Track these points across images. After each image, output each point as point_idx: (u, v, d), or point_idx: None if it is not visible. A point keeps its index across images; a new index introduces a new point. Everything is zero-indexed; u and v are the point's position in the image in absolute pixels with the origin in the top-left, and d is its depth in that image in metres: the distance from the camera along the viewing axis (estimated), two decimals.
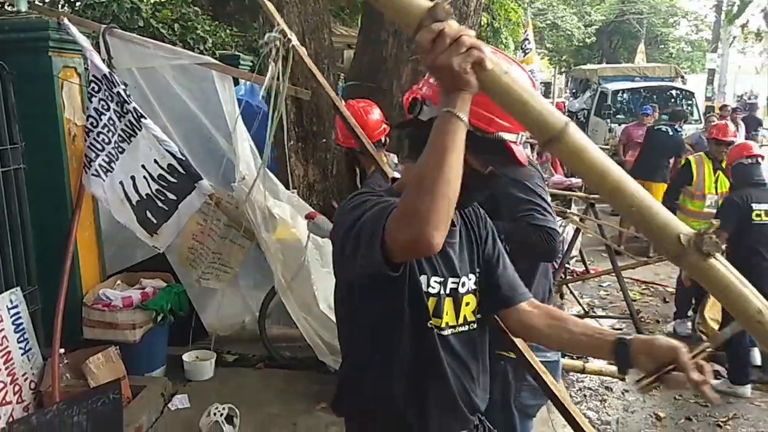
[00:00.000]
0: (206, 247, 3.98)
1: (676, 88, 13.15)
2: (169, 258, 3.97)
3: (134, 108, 3.40)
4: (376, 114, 3.14)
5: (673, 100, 12.99)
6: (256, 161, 3.48)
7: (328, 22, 4.25)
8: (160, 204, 3.55)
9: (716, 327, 4.73)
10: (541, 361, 1.87)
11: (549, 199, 2.23)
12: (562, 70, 34.42)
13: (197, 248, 4.01)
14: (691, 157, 6.07)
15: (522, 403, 2.19)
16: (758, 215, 4.23)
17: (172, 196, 3.53)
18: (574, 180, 6.64)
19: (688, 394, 4.42)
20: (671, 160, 8.01)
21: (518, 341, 1.78)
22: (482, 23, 14.07)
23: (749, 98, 25.90)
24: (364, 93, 4.32)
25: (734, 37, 18.00)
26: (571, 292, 6.16)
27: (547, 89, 27.28)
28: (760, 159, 4.42)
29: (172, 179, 3.52)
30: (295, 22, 3.90)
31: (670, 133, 8.12)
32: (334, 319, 3.50)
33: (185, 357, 3.90)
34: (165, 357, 3.85)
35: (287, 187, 4.18)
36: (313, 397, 3.68)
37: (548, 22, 29.64)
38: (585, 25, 30.09)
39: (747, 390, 4.36)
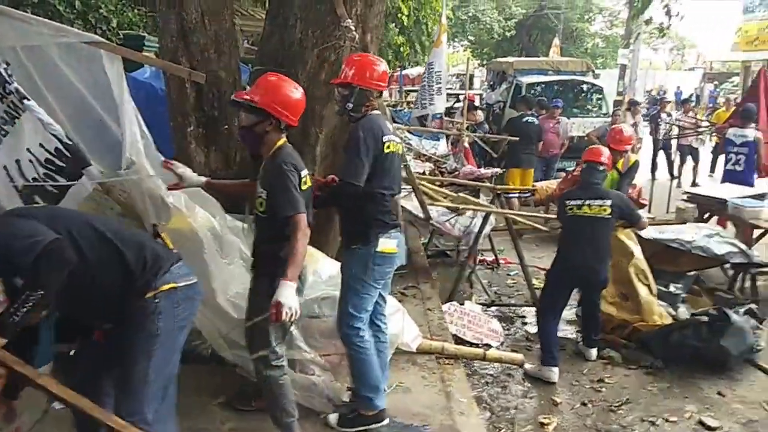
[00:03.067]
0: None
1: (587, 83, 13.59)
2: None
3: (16, 89, 3.19)
4: (383, 66, 3.38)
5: (583, 94, 13.45)
6: (147, 147, 3.31)
7: (230, 4, 4.11)
8: (49, 188, 3.38)
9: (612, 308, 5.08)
10: None
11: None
12: (484, 62, 35.05)
13: None
14: None
15: None
16: (570, 209, 4.73)
17: (61, 180, 3.36)
18: (483, 171, 6.76)
19: (584, 380, 4.61)
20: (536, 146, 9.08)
21: None
22: (403, 12, 14.14)
23: (658, 94, 27.17)
24: None
25: (639, 33, 18.78)
26: (479, 281, 6.28)
27: (470, 82, 27.67)
28: (605, 167, 4.87)
29: (61, 163, 3.33)
30: (193, 2, 3.74)
31: (535, 122, 9.21)
32: (232, 313, 3.45)
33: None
34: (51, 353, 3.63)
35: None
36: (209, 392, 3.58)
37: (470, 14, 30.08)
38: (505, 19, 30.71)
39: (554, 373, 4.57)
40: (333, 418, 3.39)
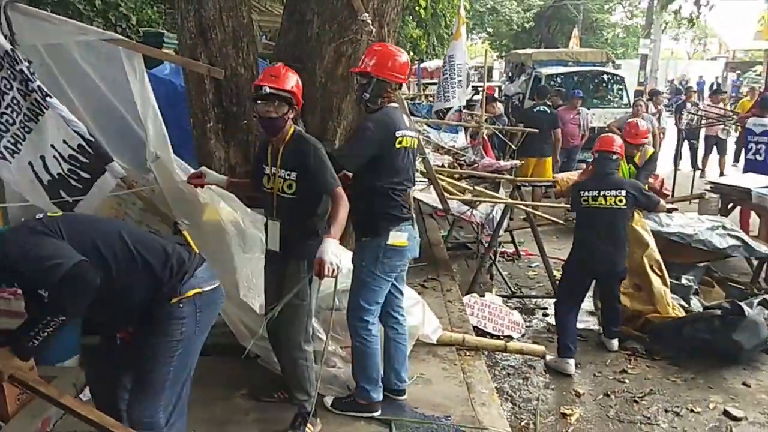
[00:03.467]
0: None
1: (607, 73, 13.43)
2: None
3: (38, 86, 3.25)
4: (404, 57, 3.38)
5: (604, 84, 13.29)
6: (166, 143, 3.36)
7: (247, 0, 4.12)
8: (74, 183, 3.47)
9: (625, 299, 5.05)
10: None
11: None
12: (502, 54, 34.82)
13: None
14: None
15: None
16: (585, 200, 4.67)
17: (85, 175, 3.44)
18: (502, 163, 6.73)
19: (607, 371, 4.58)
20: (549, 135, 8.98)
21: None
22: (421, 5, 14.06)
23: (680, 83, 26.80)
24: None
25: (666, 23, 18.52)
26: (500, 273, 6.26)
27: (488, 74, 27.54)
28: (617, 156, 4.80)
29: (84, 159, 3.42)
30: None
31: (548, 111, 9.12)
32: (253, 306, 3.49)
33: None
34: (77, 346, 3.70)
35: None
36: (232, 383, 3.63)
37: (488, 6, 29.87)
38: (524, 10, 30.44)
39: (570, 365, 4.56)
40: (329, 399, 3.48)
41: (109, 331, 2.63)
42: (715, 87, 29.17)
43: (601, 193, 4.64)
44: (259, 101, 3.03)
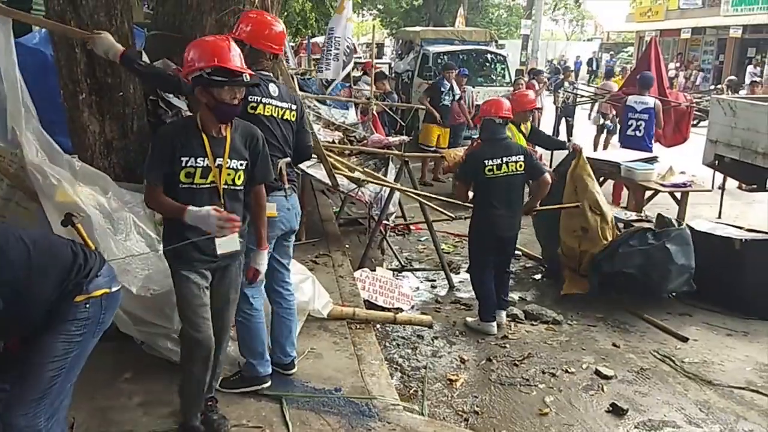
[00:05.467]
0: None
1: (491, 52, 13.87)
2: None
3: None
4: (280, 27, 3.30)
5: (488, 63, 13.73)
6: (29, 120, 3.12)
7: None
8: None
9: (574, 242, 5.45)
10: None
11: None
12: (393, 31, 35.08)
13: None
14: None
15: None
16: (490, 170, 4.70)
17: None
18: (391, 139, 6.81)
19: (490, 338, 4.80)
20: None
21: None
22: None
23: (559, 63, 28.15)
24: (167, 43, 4.05)
25: (545, 3, 19.39)
26: (390, 247, 6.37)
27: (379, 50, 27.67)
28: (503, 119, 4.85)
29: None
30: None
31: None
32: (134, 290, 3.34)
33: None
34: None
35: (82, 145, 3.84)
36: (116, 369, 3.48)
37: None
38: None
39: (493, 327, 4.85)
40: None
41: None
42: (595, 66, 30.98)
43: (504, 160, 4.69)
44: (224, 87, 2.71)
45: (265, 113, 3.24)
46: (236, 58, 2.75)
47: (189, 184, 2.77)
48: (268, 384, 3.42)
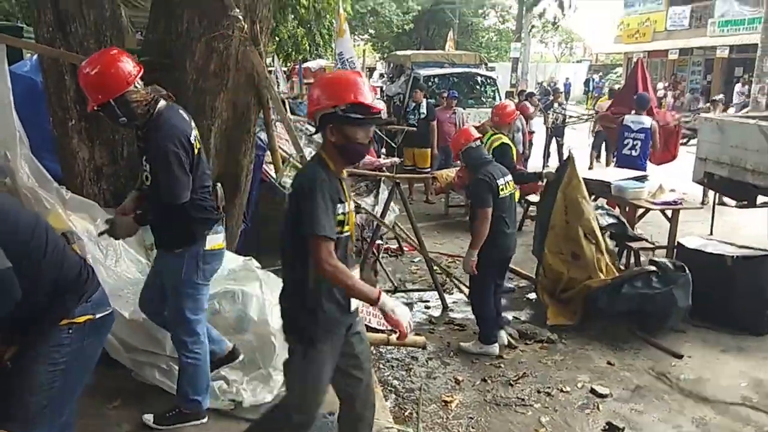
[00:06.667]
0: None
1: (481, 75, 13.99)
2: None
3: None
4: (123, 58, 2.87)
5: (478, 85, 13.84)
6: (21, 143, 3.14)
7: None
8: None
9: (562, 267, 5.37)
10: None
11: None
12: (384, 55, 35.42)
13: None
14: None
15: None
16: (502, 189, 4.69)
17: None
18: (383, 161, 6.84)
19: (484, 358, 4.77)
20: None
21: None
22: (304, 4, 13.97)
23: (549, 85, 28.42)
24: (156, 69, 4.08)
25: (532, 26, 19.64)
26: (383, 269, 6.36)
27: (371, 73, 27.90)
28: (480, 141, 4.94)
29: None
30: None
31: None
32: (126, 314, 3.32)
33: None
34: None
35: (72, 171, 3.85)
36: (105, 395, 3.44)
37: (369, 8, 30.24)
38: (403, 13, 31.08)
39: (496, 348, 4.81)
40: (148, 417, 3.25)
41: None
42: (591, 87, 31.31)
43: (506, 179, 4.73)
44: (362, 125, 2.46)
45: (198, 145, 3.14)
46: (370, 95, 2.48)
47: (338, 235, 2.45)
48: (206, 418, 3.28)
